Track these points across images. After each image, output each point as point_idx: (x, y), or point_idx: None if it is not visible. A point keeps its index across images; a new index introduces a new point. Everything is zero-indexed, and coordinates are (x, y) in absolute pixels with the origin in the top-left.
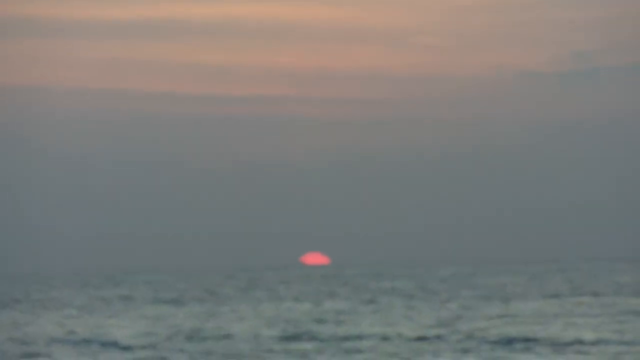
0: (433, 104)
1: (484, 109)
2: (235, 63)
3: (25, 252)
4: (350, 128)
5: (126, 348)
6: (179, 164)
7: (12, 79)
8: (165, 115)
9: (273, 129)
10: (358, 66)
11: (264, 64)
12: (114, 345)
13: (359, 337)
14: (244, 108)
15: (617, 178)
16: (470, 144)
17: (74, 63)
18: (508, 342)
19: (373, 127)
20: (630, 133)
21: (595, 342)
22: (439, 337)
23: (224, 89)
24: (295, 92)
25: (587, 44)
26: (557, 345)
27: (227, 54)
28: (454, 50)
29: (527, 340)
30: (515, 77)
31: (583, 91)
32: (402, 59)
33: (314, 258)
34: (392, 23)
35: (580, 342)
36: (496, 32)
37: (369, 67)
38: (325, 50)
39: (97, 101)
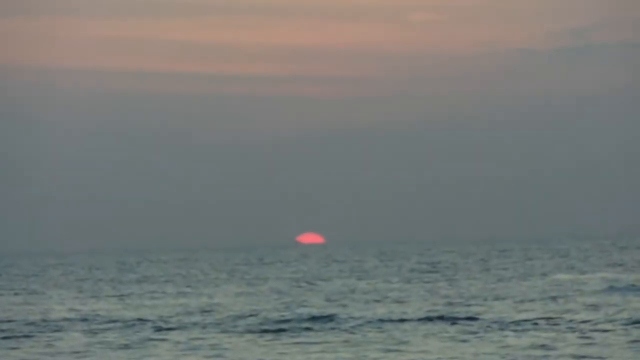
0: (429, 80)
1: (479, 84)
2: (229, 41)
3: (26, 229)
4: (345, 105)
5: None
6: (172, 144)
7: (8, 58)
8: (162, 93)
9: (267, 107)
10: (352, 43)
11: (258, 42)
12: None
13: None
14: (238, 87)
15: (613, 153)
16: (466, 119)
17: (76, 42)
18: None
19: (369, 104)
20: (625, 108)
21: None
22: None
23: (218, 67)
24: (289, 70)
25: (582, 20)
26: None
27: (222, 32)
28: (448, 27)
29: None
30: (508, 53)
31: (578, 67)
32: (397, 35)
33: (309, 237)
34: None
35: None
36: (491, 8)
37: (364, 44)
38: (319, 28)
39: (99, 80)
